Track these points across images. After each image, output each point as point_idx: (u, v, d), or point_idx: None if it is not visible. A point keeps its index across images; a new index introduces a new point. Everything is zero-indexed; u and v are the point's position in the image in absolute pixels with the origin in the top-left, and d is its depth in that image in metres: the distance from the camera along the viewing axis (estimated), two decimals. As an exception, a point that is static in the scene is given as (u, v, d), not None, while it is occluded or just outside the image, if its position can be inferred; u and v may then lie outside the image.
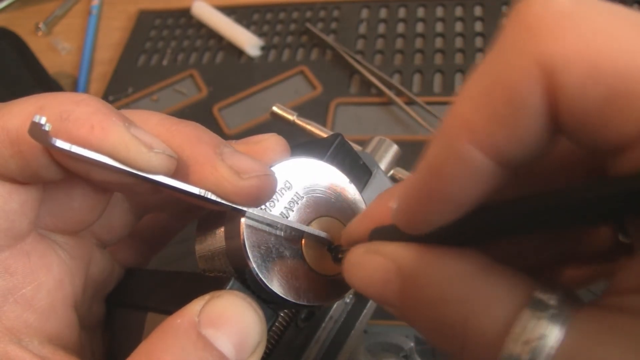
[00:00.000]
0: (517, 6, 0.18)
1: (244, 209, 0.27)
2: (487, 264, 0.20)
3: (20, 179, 0.27)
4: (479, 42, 0.87)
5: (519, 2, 0.18)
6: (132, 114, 0.28)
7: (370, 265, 0.23)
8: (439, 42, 0.88)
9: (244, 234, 0.27)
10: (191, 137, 0.27)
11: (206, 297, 0.25)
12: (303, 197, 0.29)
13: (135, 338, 0.31)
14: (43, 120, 0.22)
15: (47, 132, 0.22)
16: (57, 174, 0.27)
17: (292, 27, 0.96)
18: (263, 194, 0.27)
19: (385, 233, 0.24)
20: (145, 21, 1.02)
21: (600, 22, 0.17)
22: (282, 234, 0.28)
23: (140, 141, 0.25)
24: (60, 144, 0.23)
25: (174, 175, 0.26)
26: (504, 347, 0.18)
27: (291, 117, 0.57)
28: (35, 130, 0.23)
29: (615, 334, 0.17)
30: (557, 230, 0.23)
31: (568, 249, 0.25)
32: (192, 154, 0.27)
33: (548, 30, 0.17)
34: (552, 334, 0.18)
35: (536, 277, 0.20)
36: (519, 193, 0.19)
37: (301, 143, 0.34)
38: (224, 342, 0.24)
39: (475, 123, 0.18)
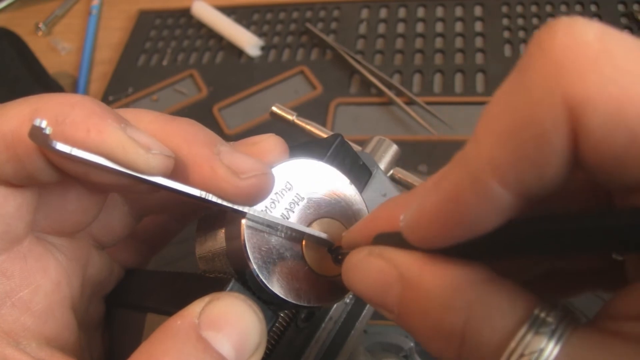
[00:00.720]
0: (540, 35, 0.18)
1: (245, 210, 0.27)
2: (490, 276, 0.21)
3: (16, 182, 0.27)
4: (479, 42, 0.87)
5: (542, 30, 0.18)
6: (126, 112, 0.28)
7: (371, 268, 0.23)
8: (439, 42, 0.88)
9: (245, 235, 0.27)
10: (188, 136, 0.27)
11: (206, 298, 0.25)
12: (303, 198, 0.29)
13: (135, 339, 0.31)
14: (44, 124, 0.22)
15: (47, 135, 0.22)
16: (53, 177, 0.27)
17: (292, 27, 0.96)
18: (261, 192, 0.27)
19: (389, 239, 0.24)
20: (145, 21, 1.02)
21: (627, 61, 0.16)
22: (283, 235, 0.28)
23: (137, 143, 0.25)
24: (60, 146, 0.23)
25: (171, 175, 0.26)
26: None
27: (291, 117, 0.57)
28: (36, 133, 0.23)
29: (609, 356, 0.18)
30: (562, 255, 0.24)
31: (560, 265, 0.25)
32: (190, 154, 0.27)
33: (574, 67, 0.17)
34: (548, 350, 0.18)
35: (536, 293, 0.20)
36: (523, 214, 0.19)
37: (301, 143, 0.34)
38: (224, 344, 0.24)
39: (502, 161, 0.18)
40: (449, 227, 0.20)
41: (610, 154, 0.17)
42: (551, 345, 0.19)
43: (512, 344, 0.19)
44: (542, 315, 0.19)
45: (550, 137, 0.17)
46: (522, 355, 0.19)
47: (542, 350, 0.18)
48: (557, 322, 0.19)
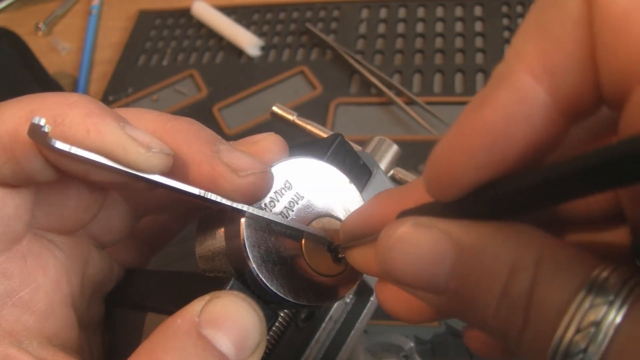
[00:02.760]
0: None
1: (244, 208, 0.27)
2: (545, 235, 0.20)
3: (14, 183, 0.27)
4: (479, 42, 0.87)
5: None
6: (125, 111, 0.28)
7: (420, 240, 0.21)
8: (439, 42, 0.88)
9: (244, 234, 0.27)
10: (187, 134, 0.27)
11: (206, 297, 0.25)
12: (303, 197, 0.29)
13: (135, 338, 0.31)
14: (42, 122, 0.22)
15: (46, 133, 0.22)
16: (51, 176, 0.27)
17: (292, 27, 0.96)
18: (261, 190, 0.27)
19: (424, 211, 0.22)
20: (145, 21, 1.02)
21: None
22: (282, 234, 0.28)
23: (137, 141, 0.25)
24: (60, 145, 0.23)
25: (171, 173, 0.26)
26: (559, 329, 0.18)
27: (291, 117, 0.57)
28: (35, 132, 0.23)
29: None
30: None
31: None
32: (189, 152, 0.27)
33: None
34: (608, 320, 0.17)
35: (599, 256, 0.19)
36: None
37: (301, 143, 0.34)
38: (224, 342, 0.24)
39: (527, 47, 0.18)
40: (481, 138, 0.18)
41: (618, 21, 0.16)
42: (612, 313, 0.17)
43: (570, 314, 0.18)
44: (603, 276, 0.18)
45: (569, 8, 0.17)
46: (579, 328, 0.17)
47: (601, 321, 0.17)
48: (619, 288, 0.17)
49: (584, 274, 0.18)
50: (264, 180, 0.27)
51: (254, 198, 0.27)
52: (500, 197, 0.19)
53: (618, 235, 0.23)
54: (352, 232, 0.27)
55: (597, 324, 0.17)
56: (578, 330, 0.17)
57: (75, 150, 0.23)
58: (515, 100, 0.18)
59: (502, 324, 0.19)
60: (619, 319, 0.17)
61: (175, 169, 0.26)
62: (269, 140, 0.30)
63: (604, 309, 0.17)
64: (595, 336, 0.17)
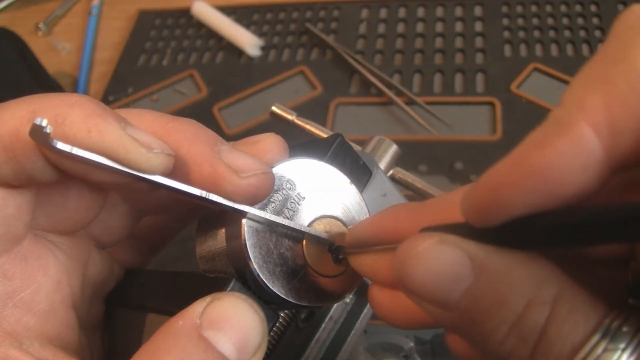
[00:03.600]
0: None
1: (245, 209, 0.27)
2: (562, 274, 0.20)
3: (15, 183, 0.27)
4: (479, 42, 0.87)
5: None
6: (126, 112, 0.28)
7: (443, 257, 0.21)
8: (439, 42, 0.88)
9: (245, 234, 0.27)
10: (188, 135, 0.27)
11: (207, 298, 0.25)
12: (304, 197, 0.29)
13: (136, 339, 0.31)
14: (44, 123, 0.22)
15: (48, 134, 0.22)
16: (52, 176, 0.27)
17: (292, 27, 0.96)
18: (261, 191, 0.27)
19: (451, 230, 0.22)
20: (145, 21, 1.02)
21: None
22: (283, 234, 0.28)
23: (138, 142, 0.25)
24: (61, 145, 0.23)
25: (172, 174, 0.26)
26: None
27: (291, 117, 0.57)
28: (36, 132, 0.23)
29: None
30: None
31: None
32: (190, 153, 0.27)
33: None
34: None
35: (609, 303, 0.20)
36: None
37: (301, 143, 0.34)
38: (226, 343, 0.24)
39: (592, 101, 0.18)
40: (529, 180, 0.19)
41: None
42: (624, 358, 0.18)
43: (582, 354, 0.18)
44: (616, 323, 0.19)
45: (637, 63, 0.17)
46: None
47: None
48: (632, 334, 0.18)
49: (597, 318, 0.19)
50: (265, 181, 0.27)
51: (256, 199, 0.27)
52: (534, 230, 0.19)
53: (613, 274, 0.24)
54: (362, 239, 0.27)
55: None
56: None
57: (76, 150, 0.23)
58: (575, 150, 0.18)
59: (507, 352, 0.20)
60: None
61: (176, 170, 0.26)
62: (269, 141, 0.30)
63: (616, 354, 0.18)
64: None
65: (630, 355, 0.18)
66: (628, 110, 0.18)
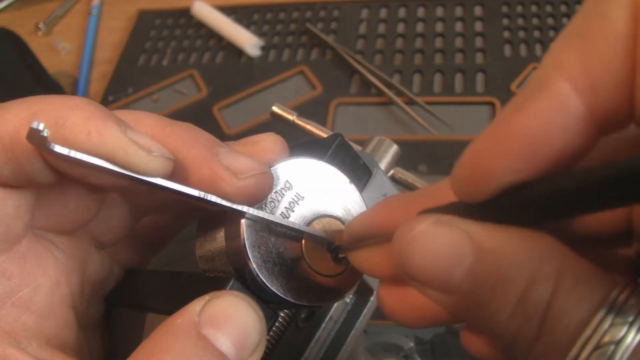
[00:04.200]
0: None
1: (244, 209, 0.27)
2: (565, 248, 0.19)
3: (14, 184, 0.27)
4: (479, 42, 0.87)
5: None
6: (126, 114, 0.28)
7: (440, 238, 0.21)
8: (439, 42, 0.88)
9: (244, 234, 0.27)
10: (187, 138, 0.27)
11: (206, 297, 0.25)
12: (303, 197, 0.29)
13: (135, 338, 0.31)
14: (41, 127, 0.22)
15: (45, 137, 0.22)
16: (52, 178, 0.27)
17: (292, 27, 0.96)
18: (260, 192, 0.27)
19: (446, 211, 0.21)
20: (145, 21, 1.02)
21: None
22: (283, 234, 0.28)
23: (138, 145, 0.25)
24: (59, 149, 0.23)
25: (171, 177, 0.26)
26: (577, 344, 0.18)
27: (291, 117, 0.57)
28: (34, 136, 0.23)
29: None
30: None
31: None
32: (189, 155, 0.27)
33: None
34: (628, 339, 0.17)
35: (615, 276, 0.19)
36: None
37: (301, 143, 0.34)
38: (224, 341, 0.24)
39: (569, 57, 0.18)
40: (514, 142, 0.18)
41: None
42: (632, 333, 0.17)
43: (587, 333, 0.18)
44: (622, 297, 0.18)
45: (614, 22, 0.17)
46: (598, 345, 0.17)
47: (621, 340, 0.17)
48: (638, 308, 0.18)
49: (603, 292, 0.18)
50: (264, 182, 0.27)
51: (255, 199, 0.27)
52: (528, 200, 0.19)
53: (621, 252, 0.23)
54: (358, 233, 0.27)
55: (617, 343, 0.17)
56: (596, 348, 0.18)
57: (74, 153, 0.23)
58: (555, 108, 0.18)
59: (513, 332, 0.19)
60: (638, 339, 0.17)
61: (175, 173, 0.26)
62: (269, 141, 0.30)
63: (624, 329, 0.17)
64: (613, 354, 0.17)
65: (639, 329, 0.17)
66: (605, 64, 0.18)
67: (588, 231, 0.24)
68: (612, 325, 0.18)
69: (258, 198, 0.27)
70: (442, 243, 0.20)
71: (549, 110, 0.18)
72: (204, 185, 0.26)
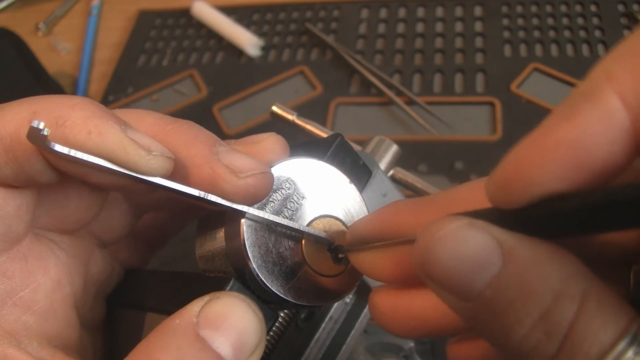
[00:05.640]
0: None
1: (244, 209, 0.27)
2: (590, 271, 0.19)
3: (15, 184, 0.27)
4: (479, 42, 0.87)
5: None
6: (126, 113, 0.28)
7: (471, 241, 0.20)
8: (439, 42, 0.88)
9: (244, 234, 0.27)
10: (187, 137, 0.27)
11: (206, 297, 0.25)
12: (303, 197, 0.29)
13: (135, 338, 0.31)
14: (41, 125, 0.22)
15: (45, 136, 0.22)
16: (53, 177, 0.27)
17: (292, 27, 0.96)
18: (260, 191, 0.27)
19: (479, 216, 0.21)
20: (145, 21, 1.02)
21: None
22: (283, 234, 0.28)
23: (138, 144, 0.25)
24: (59, 148, 0.23)
25: (171, 176, 0.26)
26: None
27: (291, 116, 0.57)
28: (34, 135, 0.23)
29: None
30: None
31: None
32: (189, 154, 0.27)
33: None
34: None
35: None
36: None
37: (301, 143, 0.34)
38: (222, 343, 0.24)
39: (619, 69, 0.18)
40: (557, 151, 0.18)
41: None
42: None
43: (612, 357, 0.18)
44: None
45: None
46: None
47: None
48: None
49: (626, 320, 0.18)
50: (263, 181, 0.27)
51: (254, 199, 0.27)
52: (562, 213, 0.18)
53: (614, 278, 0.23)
54: (362, 235, 0.27)
55: None
56: None
57: (74, 153, 0.23)
58: (603, 120, 0.18)
59: (529, 347, 0.19)
60: None
61: (176, 171, 0.26)
62: (271, 141, 0.30)
63: None
64: None
65: None
66: None
67: (604, 247, 0.23)
68: (635, 355, 0.17)
69: (257, 198, 0.27)
70: (472, 247, 0.20)
71: (597, 122, 0.18)
72: (203, 183, 0.26)
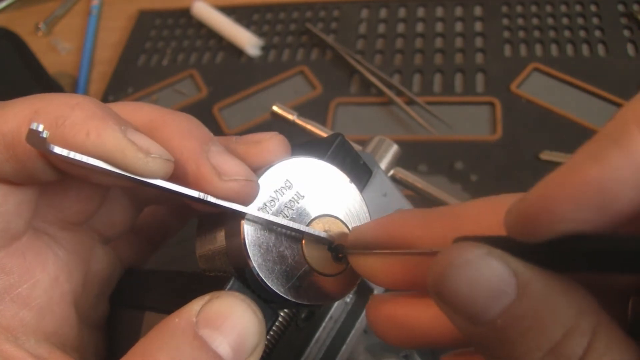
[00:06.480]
0: None
1: (244, 210, 0.27)
2: (599, 305, 0.20)
3: (16, 181, 0.27)
4: (479, 42, 0.87)
5: None
6: (124, 105, 0.28)
7: (490, 270, 0.20)
8: (439, 42, 0.88)
9: (244, 233, 0.27)
10: (182, 129, 0.27)
11: (205, 297, 0.25)
12: (303, 196, 0.29)
13: (134, 337, 0.31)
14: (40, 128, 0.22)
15: (44, 139, 0.22)
16: (53, 176, 0.27)
17: (292, 27, 0.96)
18: (242, 197, 0.27)
19: (495, 243, 0.21)
20: (145, 21, 1.02)
21: None
22: (283, 233, 0.28)
23: (136, 146, 0.25)
24: (58, 150, 0.23)
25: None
26: None
27: (291, 116, 0.57)
28: (33, 137, 0.23)
29: None
30: None
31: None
32: (179, 147, 0.26)
33: None
34: None
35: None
36: None
37: (301, 143, 0.34)
38: (221, 343, 0.24)
39: None
40: (586, 196, 0.18)
41: None
42: None
43: None
44: None
45: None
46: None
47: None
48: None
49: (634, 358, 0.18)
50: (246, 189, 0.26)
51: (239, 202, 0.27)
52: (581, 252, 0.19)
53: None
54: (365, 240, 0.27)
55: None
56: None
57: (73, 154, 0.23)
58: (631, 165, 0.18)
59: None
60: None
61: None
62: (273, 142, 0.30)
63: None
64: None
65: None
66: None
67: (616, 285, 0.23)
68: None
69: (240, 203, 0.27)
70: (490, 276, 0.20)
71: (625, 166, 0.18)
72: (187, 180, 0.26)
